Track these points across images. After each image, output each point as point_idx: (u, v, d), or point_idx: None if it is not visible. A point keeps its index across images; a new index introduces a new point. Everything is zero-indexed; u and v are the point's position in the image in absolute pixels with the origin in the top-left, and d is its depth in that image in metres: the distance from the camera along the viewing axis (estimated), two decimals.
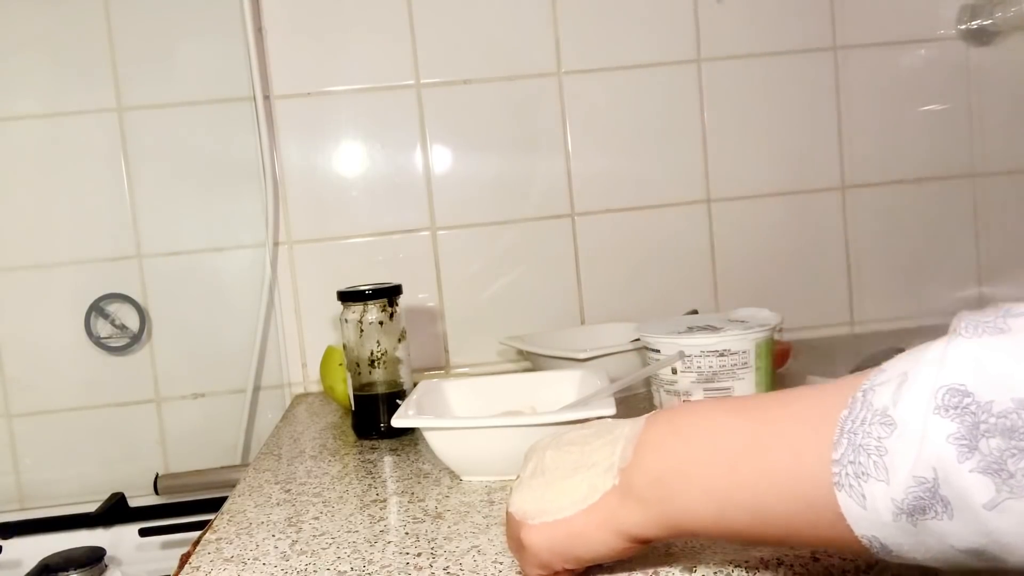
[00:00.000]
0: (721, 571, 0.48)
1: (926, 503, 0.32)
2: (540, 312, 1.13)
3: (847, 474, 0.35)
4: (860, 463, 0.34)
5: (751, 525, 0.40)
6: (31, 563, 0.91)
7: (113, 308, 1.10)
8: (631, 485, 0.44)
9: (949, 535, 0.33)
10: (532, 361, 0.99)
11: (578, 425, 0.51)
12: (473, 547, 0.55)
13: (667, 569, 0.49)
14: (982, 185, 1.18)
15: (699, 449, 0.42)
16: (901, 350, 0.36)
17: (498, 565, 0.51)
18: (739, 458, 0.40)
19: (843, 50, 1.15)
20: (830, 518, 0.36)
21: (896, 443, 0.33)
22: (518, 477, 0.50)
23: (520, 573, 0.50)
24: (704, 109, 1.14)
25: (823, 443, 0.36)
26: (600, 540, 0.45)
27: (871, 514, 0.34)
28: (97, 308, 1.09)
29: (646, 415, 0.46)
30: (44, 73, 1.08)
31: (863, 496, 0.34)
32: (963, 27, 1.15)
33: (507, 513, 0.49)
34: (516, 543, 0.49)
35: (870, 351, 0.85)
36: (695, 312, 1.02)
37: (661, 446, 0.44)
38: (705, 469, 0.41)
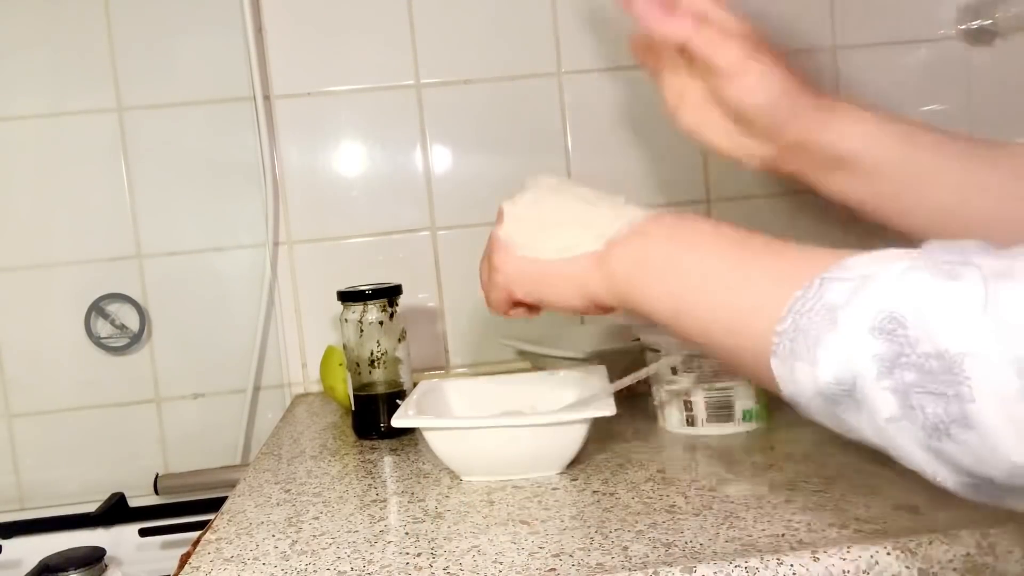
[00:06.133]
0: (721, 571, 0.48)
1: (840, 398, 0.37)
2: None
3: (783, 347, 0.40)
4: (796, 342, 0.39)
5: (699, 337, 0.46)
6: (31, 563, 0.91)
7: (113, 308, 1.10)
8: (609, 257, 0.51)
9: (854, 425, 0.38)
10: (532, 361, 0.99)
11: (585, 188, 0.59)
12: (473, 547, 0.55)
13: (667, 569, 0.49)
14: None
15: (681, 256, 0.47)
16: None
17: (498, 565, 0.51)
18: (710, 280, 0.46)
19: (843, 50, 1.15)
20: (764, 365, 0.41)
21: (831, 339, 0.37)
22: (512, 199, 0.58)
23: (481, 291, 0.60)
24: None
25: (777, 308, 0.40)
26: (565, 292, 0.53)
27: (795, 385, 0.39)
28: (97, 308, 1.09)
29: (654, 212, 0.52)
30: (44, 73, 1.08)
31: (791, 370, 0.39)
32: (963, 27, 1.15)
33: (493, 235, 0.58)
34: (490, 264, 0.57)
35: None
36: None
37: (652, 239, 0.50)
38: (678, 273, 0.47)
